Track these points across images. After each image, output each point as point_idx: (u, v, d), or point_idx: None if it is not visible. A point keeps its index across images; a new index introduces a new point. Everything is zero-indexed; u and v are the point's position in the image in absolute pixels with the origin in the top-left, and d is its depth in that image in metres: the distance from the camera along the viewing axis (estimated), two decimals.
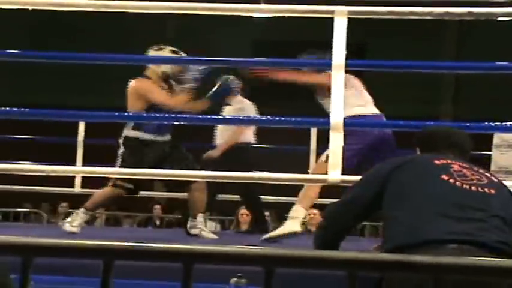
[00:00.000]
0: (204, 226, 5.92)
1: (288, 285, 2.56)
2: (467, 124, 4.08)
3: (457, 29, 15.70)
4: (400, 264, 1.40)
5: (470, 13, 3.94)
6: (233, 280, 3.02)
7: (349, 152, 4.66)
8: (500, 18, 4.26)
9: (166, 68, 5.53)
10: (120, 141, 5.63)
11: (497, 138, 7.59)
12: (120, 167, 5.46)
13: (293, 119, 4.35)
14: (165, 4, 4.38)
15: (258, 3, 12.07)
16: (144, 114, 5.33)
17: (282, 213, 11.27)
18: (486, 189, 2.90)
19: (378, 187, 3.03)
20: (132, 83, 5.56)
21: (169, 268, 1.62)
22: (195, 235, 5.65)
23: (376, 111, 5.08)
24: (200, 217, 5.77)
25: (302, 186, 5.02)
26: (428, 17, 3.99)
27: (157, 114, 5.14)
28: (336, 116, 3.77)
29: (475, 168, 3.02)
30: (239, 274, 3.01)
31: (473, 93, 14.96)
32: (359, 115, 4.93)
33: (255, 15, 4.43)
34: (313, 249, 3.25)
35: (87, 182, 7.16)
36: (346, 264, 1.43)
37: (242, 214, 9.62)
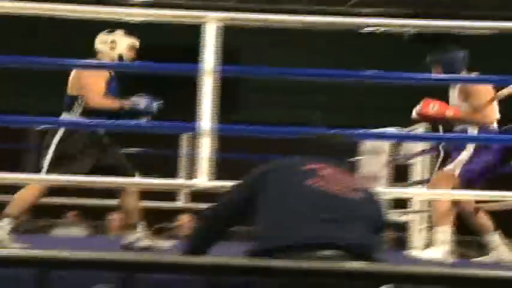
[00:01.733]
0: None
1: None
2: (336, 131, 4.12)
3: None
4: (256, 268, 1.42)
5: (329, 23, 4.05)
6: (99, 286, 2.99)
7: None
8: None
9: (122, 50, 5.18)
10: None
11: (366, 145, 7.82)
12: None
13: (164, 123, 4.33)
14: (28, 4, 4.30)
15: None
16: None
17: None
18: (354, 193, 2.99)
19: (247, 193, 3.11)
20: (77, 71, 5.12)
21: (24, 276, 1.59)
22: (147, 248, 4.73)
23: None
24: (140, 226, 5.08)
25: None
26: (299, 26, 4.05)
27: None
28: (204, 122, 3.78)
29: (345, 174, 3.12)
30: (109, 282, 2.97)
31: (347, 100, 15.26)
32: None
33: (124, 19, 4.36)
34: (183, 253, 3.30)
35: None
36: (203, 269, 1.44)
37: (112, 219, 9.55)
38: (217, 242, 3.28)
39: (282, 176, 3.07)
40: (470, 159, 5.13)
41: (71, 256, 1.42)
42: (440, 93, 5.24)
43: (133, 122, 4.56)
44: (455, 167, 5.16)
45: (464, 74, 5.21)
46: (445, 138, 5.12)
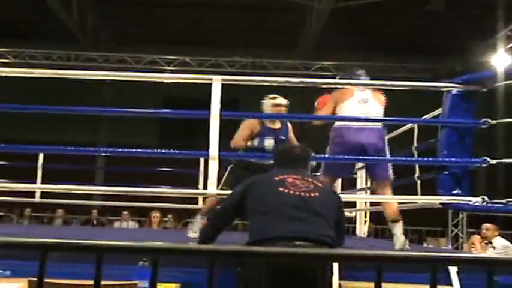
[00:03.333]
0: None
1: None
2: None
3: None
4: (240, 252, 1.43)
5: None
6: (140, 263, 2.97)
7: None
8: None
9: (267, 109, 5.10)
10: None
11: None
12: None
13: (183, 151, 4.32)
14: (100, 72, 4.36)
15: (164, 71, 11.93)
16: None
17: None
18: (312, 193, 2.96)
19: (239, 198, 3.11)
20: None
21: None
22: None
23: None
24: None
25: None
26: (274, 84, 4.08)
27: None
28: (213, 150, 3.79)
29: (305, 178, 3.07)
30: (144, 259, 2.95)
31: None
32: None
33: (162, 80, 4.44)
34: (198, 240, 3.34)
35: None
36: (209, 253, 1.45)
37: (154, 216, 9.49)
38: (221, 231, 3.28)
39: (261, 186, 3.05)
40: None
41: (116, 245, 1.41)
42: None
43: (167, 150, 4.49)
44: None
45: None
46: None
